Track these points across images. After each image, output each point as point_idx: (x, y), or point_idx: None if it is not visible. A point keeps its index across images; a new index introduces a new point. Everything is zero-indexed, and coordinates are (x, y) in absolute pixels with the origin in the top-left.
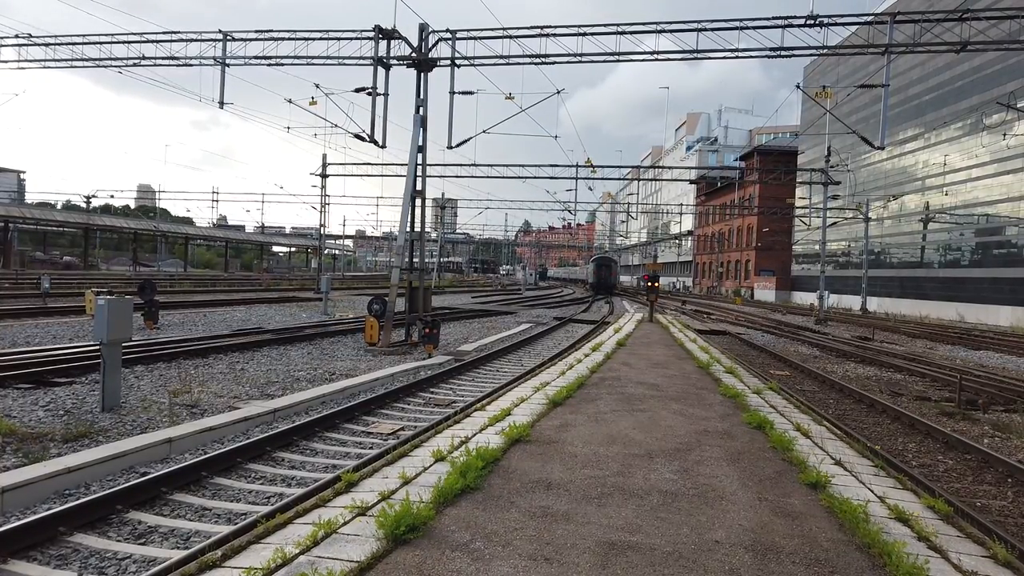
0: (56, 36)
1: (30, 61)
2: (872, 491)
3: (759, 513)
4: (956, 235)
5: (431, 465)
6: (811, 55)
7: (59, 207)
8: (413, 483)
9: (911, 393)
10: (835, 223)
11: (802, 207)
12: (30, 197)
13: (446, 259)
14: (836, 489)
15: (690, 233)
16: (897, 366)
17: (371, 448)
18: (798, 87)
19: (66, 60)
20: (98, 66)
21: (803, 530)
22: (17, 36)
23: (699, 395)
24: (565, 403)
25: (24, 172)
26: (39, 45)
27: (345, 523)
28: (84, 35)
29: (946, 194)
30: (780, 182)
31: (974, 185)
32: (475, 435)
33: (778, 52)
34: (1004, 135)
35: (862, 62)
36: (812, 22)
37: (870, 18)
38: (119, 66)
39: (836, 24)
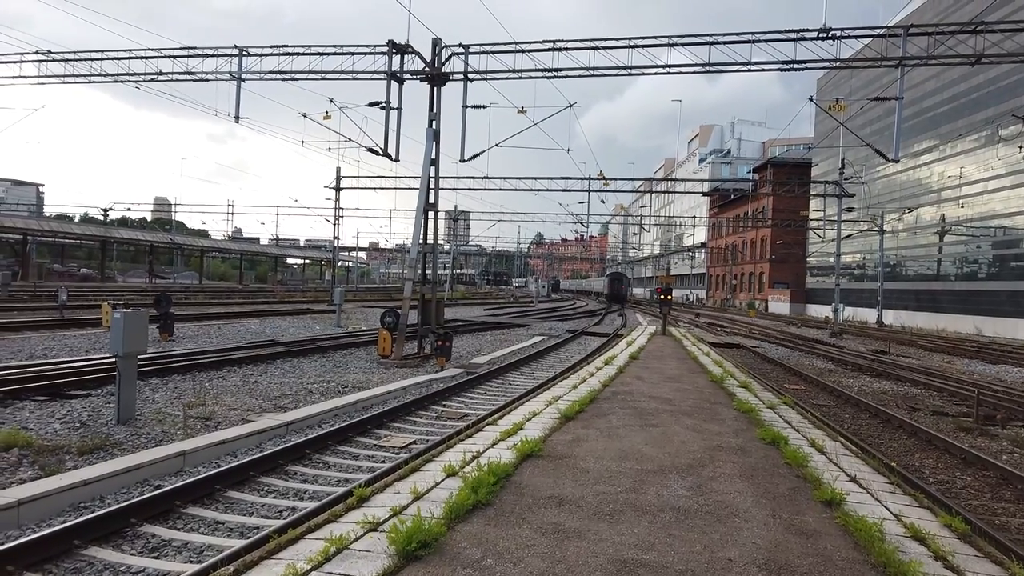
0: (75, 52)
1: (50, 76)
2: (888, 509)
3: (773, 531)
4: (973, 247)
5: (443, 480)
6: (824, 68)
7: (77, 219)
8: (425, 498)
9: (928, 408)
10: (850, 235)
11: (816, 219)
12: (48, 210)
13: (459, 271)
14: (851, 506)
15: (703, 245)
16: (913, 380)
17: (383, 462)
18: (811, 100)
19: (85, 75)
20: (116, 81)
21: (817, 548)
22: (37, 52)
23: (712, 410)
24: (577, 417)
25: (43, 185)
26: (59, 61)
27: (357, 539)
28: (103, 51)
29: (962, 206)
30: (794, 194)
31: (991, 197)
32: (487, 449)
33: (791, 65)
34: (1020, 147)
35: (876, 74)
36: (825, 35)
37: (883, 31)
38: (137, 81)
39: (849, 37)
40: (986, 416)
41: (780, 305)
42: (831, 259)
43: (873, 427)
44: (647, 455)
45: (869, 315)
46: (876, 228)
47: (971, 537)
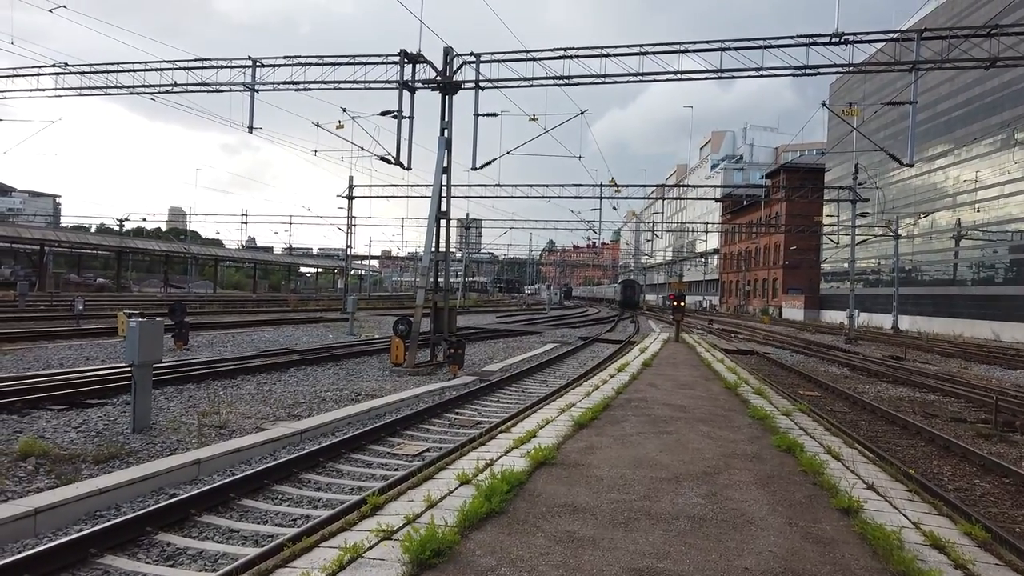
0: (92, 64)
1: (67, 89)
2: (906, 516)
3: (789, 539)
4: (989, 252)
5: (456, 488)
6: (837, 73)
7: (93, 230)
8: (438, 506)
9: (945, 414)
10: (864, 240)
11: (830, 224)
12: (65, 220)
13: (471, 279)
14: (869, 514)
15: (716, 251)
16: (930, 386)
17: (396, 470)
18: (824, 105)
19: (101, 88)
20: (132, 93)
21: (835, 557)
22: (55, 65)
23: (727, 417)
24: (591, 425)
25: (60, 196)
26: (75, 74)
27: (371, 547)
28: (118, 63)
29: (978, 210)
30: (807, 199)
31: (1007, 201)
32: (500, 457)
33: (803, 70)
34: None
35: (889, 78)
36: (837, 40)
37: (896, 35)
38: (152, 93)
39: (862, 41)
40: (1005, 422)
41: (794, 311)
42: (845, 264)
43: (890, 434)
44: (661, 463)
45: (884, 321)
46: (891, 233)
47: (991, 545)
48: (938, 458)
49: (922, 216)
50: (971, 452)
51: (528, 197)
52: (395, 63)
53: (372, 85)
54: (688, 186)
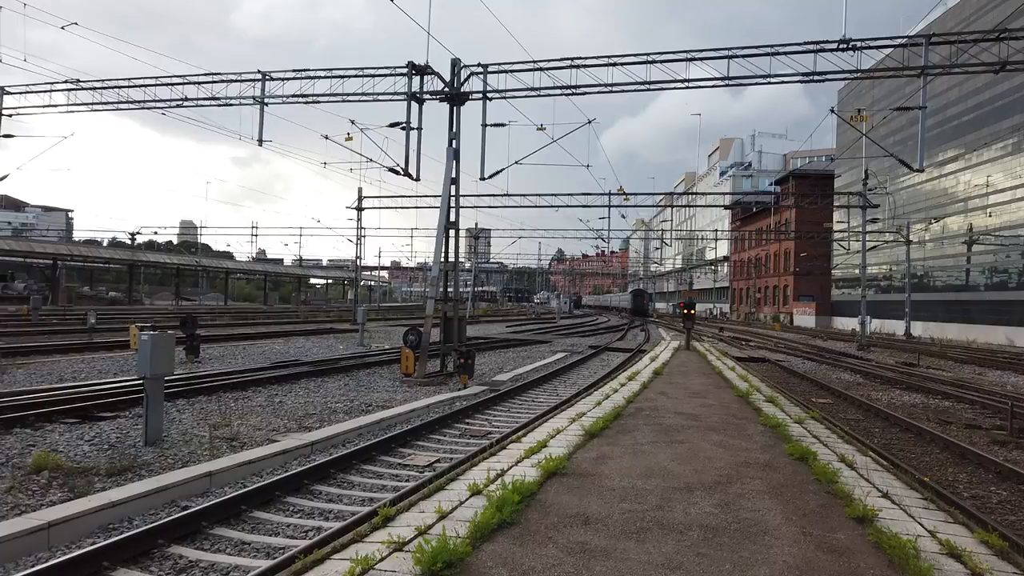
0: (103, 80)
1: (79, 104)
2: (922, 525)
3: (804, 548)
4: (1002, 257)
5: (467, 499)
6: (845, 79)
7: (105, 244)
8: (449, 517)
9: (960, 421)
10: (875, 247)
11: (840, 231)
12: (78, 235)
13: (480, 289)
14: (884, 523)
15: (726, 259)
16: (944, 393)
17: (407, 481)
18: (832, 111)
19: (113, 103)
20: (143, 108)
21: (850, 566)
22: (67, 81)
23: (739, 425)
24: (602, 434)
25: (72, 211)
26: (87, 89)
27: (382, 559)
28: (130, 79)
29: (990, 215)
30: (817, 206)
31: (1019, 205)
32: (511, 468)
33: (811, 77)
34: None
35: (898, 84)
36: (845, 46)
37: (904, 40)
38: (163, 107)
39: (870, 47)
40: (1021, 429)
41: (805, 318)
42: (856, 271)
43: (904, 441)
44: (673, 472)
45: (897, 327)
46: (902, 239)
47: (1009, 554)
48: (953, 465)
49: (933, 221)
50: (987, 459)
51: (537, 206)
52: (403, 75)
53: (381, 97)
54: (697, 193)
